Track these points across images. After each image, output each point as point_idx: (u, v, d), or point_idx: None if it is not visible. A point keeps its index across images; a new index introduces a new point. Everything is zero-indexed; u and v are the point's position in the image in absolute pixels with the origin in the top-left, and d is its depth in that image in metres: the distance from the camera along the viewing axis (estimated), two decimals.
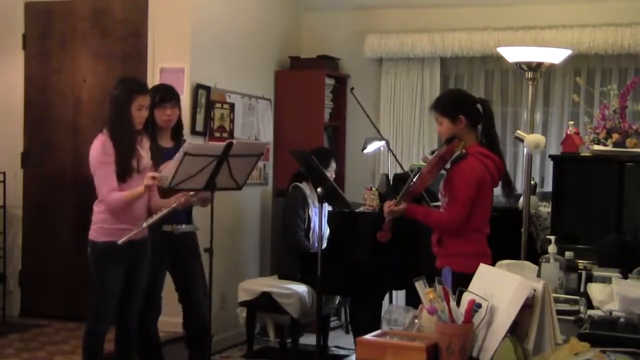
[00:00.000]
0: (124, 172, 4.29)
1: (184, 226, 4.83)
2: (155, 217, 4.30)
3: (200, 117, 6.01)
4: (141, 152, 4.39)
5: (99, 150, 4.27)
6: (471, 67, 6.97)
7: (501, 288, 2.26)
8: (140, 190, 4.25)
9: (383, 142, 6.28)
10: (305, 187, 5.91)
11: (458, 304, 2.31)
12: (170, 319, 5.24)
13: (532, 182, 5.43)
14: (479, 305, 2.23)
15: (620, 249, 4.08)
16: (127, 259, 4.32)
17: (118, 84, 4.44)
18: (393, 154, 5.96)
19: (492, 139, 4.07)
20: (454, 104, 4.02)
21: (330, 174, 5.70)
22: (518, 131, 4.59)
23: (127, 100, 4.31)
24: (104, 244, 4.27)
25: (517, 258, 4.12)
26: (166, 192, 4.48)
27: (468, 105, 4.04)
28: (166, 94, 4.75)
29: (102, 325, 4.36)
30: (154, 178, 4.24)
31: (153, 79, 5.83)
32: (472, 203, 3.90)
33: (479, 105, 4.04)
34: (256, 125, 6.72)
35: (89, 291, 4.40)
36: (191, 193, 4.42)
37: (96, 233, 4.33)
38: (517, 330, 2.21)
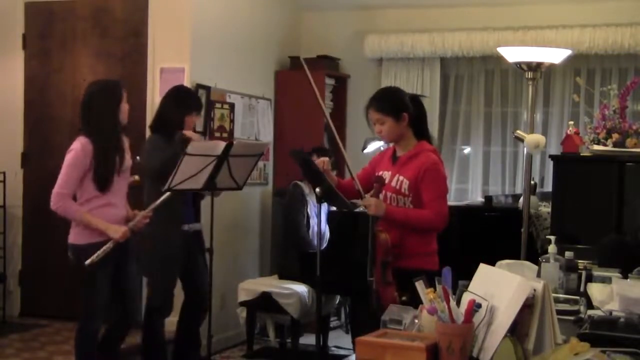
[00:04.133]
0: (107, 178, 4.26)
1: (197, 224, 4.96)
2: (102, 252, 4.23)
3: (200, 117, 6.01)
4: (124, 153, 4.38)
5: (77, 155, 4.23)
6: (471, 67, 6.97)
7: (501, 288, 2.26)
8: (106, 230, 4.25)
9: (383, 142, 6.27)
10: (304, 185, 5.92)
11: (458, 303, 2.31)
12: (174, 318, 5.27)
13: (532, 182, 5.43)
14: (479, 305, 2.23)
15: (620, 249, 4.08)
16: (113, 257, 4.29)
17: (97, 86, 4.42)
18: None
19: (428, 136, 4.06)
20: (397, 102, 3.96)
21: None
22: (518, 131, 4.58)
23: (117, 97, 4.32)
24: (89, 245, 4.23)
25: (517, 258, 4.12)
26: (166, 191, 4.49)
27: (407, 101, 3.98)
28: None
29: (93, 324, 4.35)
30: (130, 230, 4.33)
31: (153, 79, 5.83)
32: None
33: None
34: (256, 125, 6.72)
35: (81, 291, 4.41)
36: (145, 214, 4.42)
37: (78, 236, 4.31)
38: (517, 330, 2.21)
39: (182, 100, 4.94)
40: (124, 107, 4.38)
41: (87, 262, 4.16)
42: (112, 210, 4.31)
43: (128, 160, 4.40)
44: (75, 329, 4.43)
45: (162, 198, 4.38)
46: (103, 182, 4.25)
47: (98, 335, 4.40)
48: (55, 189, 4.26)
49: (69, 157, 4.25)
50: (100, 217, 4.27)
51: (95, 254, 4.16)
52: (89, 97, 4.36)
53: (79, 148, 4.23)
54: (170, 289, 4.89)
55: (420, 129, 4.01)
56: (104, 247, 4.19)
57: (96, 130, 4.27)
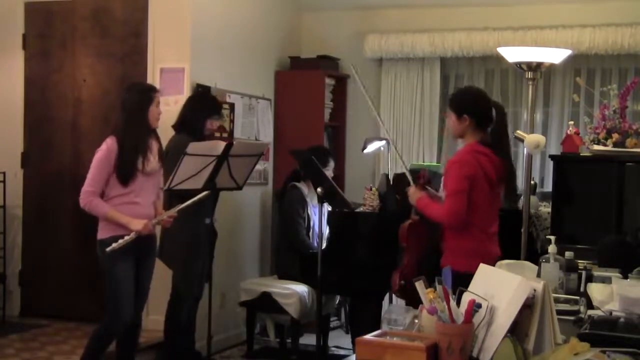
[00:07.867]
0: (126, 173, 4.33)
1: (213, 218, 5.16)
2: (123, 242, 4.30)
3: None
4: (149, 154, 4.41)
5: (103, 154, 4.37)
6: (471, 67, 6.97)
7: (501, 288, 2.26)
8: (128, 224, 4.33)
9: (383, 142, 6.28)
10: (302, 186, 5.92)
11: (458, 304, 2.31)
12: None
13: (532, 182, 5.43)
14: (479, 305, 2.23)
15: (620, 249, 4.08)
16: (134, 251, 4.36)
17: (131, 88, 4.57)
18: (397, 151, 5.93)
19: (499, 143, 4.15)
20: (462, 102, 4.11)
21: (329, 172, 5.71)
22: (518, 131, 4.59)
23: (147, 100, 4.42)
24: (111, 238, 4.32)
25: (517, 258, 4.12)
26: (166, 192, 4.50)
27: (478, 106, 4.10)
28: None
29: (121, 323, 4.40)
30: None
31: (153, 79, 5.83)
32: (468, 197, 3.93)
33: (492, 110, 4.12)
34: (256, 125, 6.72)
35: (105, 294, 4.47)
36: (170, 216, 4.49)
37: (103, 231, 4.42)
38: (517, 330, 2.21)
39: (206, 105, 5.25)
40: (153, 110, 4.44)
41: (108, 249, 4.25)
42: (136, 208, 4.40)
43: (154, 162, 4.46)
44: (100, 324, 4.49)
45: (194, 199, 4.48)
46: (124, 176, 4.36)
47: (118, 337, 4.43)
48: (84, 187, 4.40)
49: (96, 157, 4.40)
50: (125, 213, 4.36)
51: (117, 243, 4.25)
52: (122, 99, 4.52)
53: (105, 148, 4.38)
54: (195, 275, 5.07)
55: (497, 138, 4.23)
56: (126, 237, 4.28)
57: (121, 130, 4.39)
